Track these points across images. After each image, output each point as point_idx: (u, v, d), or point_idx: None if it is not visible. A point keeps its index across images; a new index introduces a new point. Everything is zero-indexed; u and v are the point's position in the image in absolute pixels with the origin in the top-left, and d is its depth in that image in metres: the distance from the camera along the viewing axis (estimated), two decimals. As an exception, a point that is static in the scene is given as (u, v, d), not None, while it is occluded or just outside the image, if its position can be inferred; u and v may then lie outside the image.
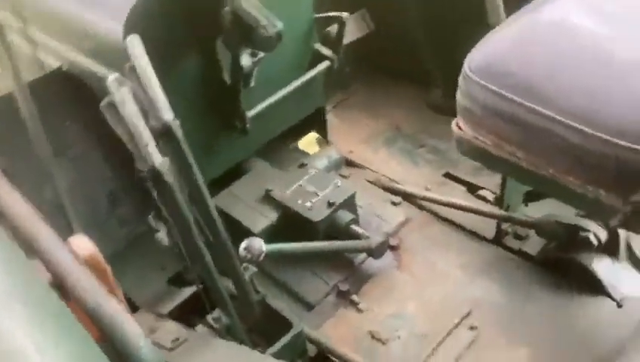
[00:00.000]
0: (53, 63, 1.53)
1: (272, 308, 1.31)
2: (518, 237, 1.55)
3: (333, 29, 1.66)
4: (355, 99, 2.07)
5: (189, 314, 1.39)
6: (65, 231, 0.82)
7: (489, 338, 1.36)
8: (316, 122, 1.85)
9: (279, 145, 1.79)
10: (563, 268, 1.44)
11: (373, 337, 1.39)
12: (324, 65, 1.67)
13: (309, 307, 1.47)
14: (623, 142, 0.96)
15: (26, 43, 1.59)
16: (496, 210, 1.58)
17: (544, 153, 1.06)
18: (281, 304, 1.34)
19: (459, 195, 1.68)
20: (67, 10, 1.45)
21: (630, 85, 1.01)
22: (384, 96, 2.04)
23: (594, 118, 0.99)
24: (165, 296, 1.48)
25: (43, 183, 1.41)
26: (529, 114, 1.05)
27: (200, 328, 1.25)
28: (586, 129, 0.99)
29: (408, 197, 1.70)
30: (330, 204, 1.53)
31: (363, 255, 1.54)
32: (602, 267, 1.39)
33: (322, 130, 1.89)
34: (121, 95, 0.93)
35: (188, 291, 1.46)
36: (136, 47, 1.03)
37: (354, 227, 1.53)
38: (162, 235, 1.59)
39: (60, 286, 0.76)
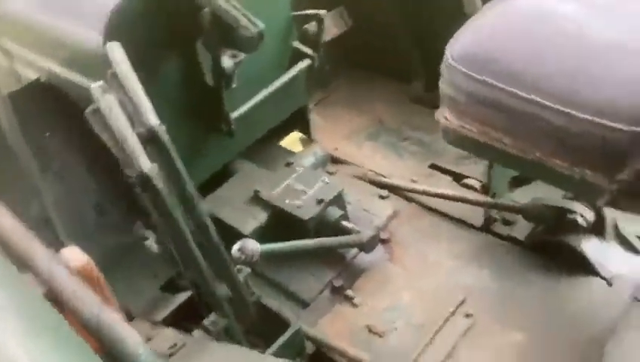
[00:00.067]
0: (31, 75, 1.51)
1: (268, 309, 1.30)
2: (506, 223, 1.57)
3: (312, 26, 1.66)
4: (336, 96, 2.07)
5: (184, 321, 1.38)
6: (53, 245, 0.81)
7: (484, 324, 1.37)
8: (299, 121, 1.85)
9: (264, 146, 1.78)
10: (552, 250, 1.45)
11: (370, 331, 1.39)
12: (305, 63, 1.67)
13: (304, 305, 1.47)
14: (605, 122, 0.97)
15: (2, 55, 1.56)
16: (483, 198, 1.60)
17: (530, 137, 1.07)
18: (276, 304, 1.34)
19: (445, 185, 1.69)
20: (42, 22, 1.43)
21: (609, 66, 1.02)
22: (366, 92, 2.05)
23: (576, 100, 1.00)
24: (159, 304, 1.47)
25: (28, 197, 1.39)
26: (512, 99, 1.06)
27: (197, 333, 1.24)
28: (570, 111, 1.00)
29: (395, 190, 1.71)
30: (319, 202, 1.53)
31: (354, 250, 1.54)
32: (590, 247, 1.41)
33: (306, 129, 1.89)
34: (107, 101, 0.92)
35: (182, 297, 1.45)
36: (116, 53, 1.02)
37: (344, 223, 1.53)
38: (151, 243, 1.58)
39: (56, 299, 0.75)
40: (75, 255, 0.87)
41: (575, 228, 1.41)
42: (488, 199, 1.58)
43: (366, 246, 1.49)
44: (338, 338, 1.37)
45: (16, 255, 0.76)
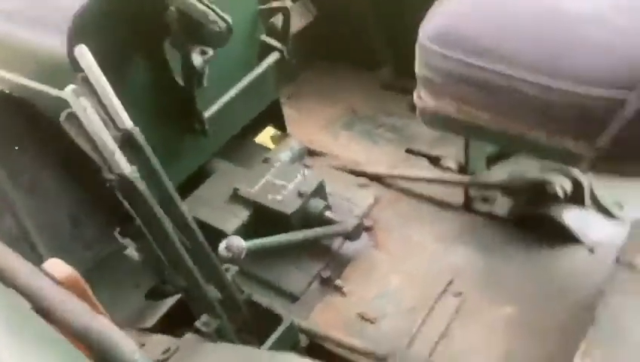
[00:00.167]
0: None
1: (259, 305, 1.29)
2: (485, 199, 1.58)
3: (277, 19, 1.65)
4: (307, 89, 2.06)
5: (172, 326, 1.36)
6: (31, 259, 0.79)
7: (474, 301, 1.38)
8: (273, 116, 1.83)
9: (239, 143, 1.76)
10: (533, 223, 1.48)
11: (362, 318, 1.39)
12: (274, 57, 1.65)
13: (293, 298, 1.46)
14: (582, 90, 0.99)
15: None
16: (461, 177, 1.61)
17: (509, 112, 1.08)
18: (267, 300, 1.32)
19: (423, 168, 1.70)
20: (4, 33, 1.38)
21: (582, 35, 1.04)
22: (336, 82, 2.04)
23: (553, 70, 1.02)
24: (145, 312, 1.44)
25: (1, 212, 1.35)
26: (490, 74, 1.07)
27: (189, 336, 1.22)
28: (547, 82, 1.01)
29: (374, 178, 1.71)
30: (300, 195, 1.52)
31: (339, 240, 1.54)
32: (571, 216, 1.44)
33: (280, 123, 1.88)
34: (82, 104, 0.89)
35: (168, 302, 1.43)
36: (85, 57, 0.99)
37: (327, 213, 1.52)
38: (131, 251, 1.55)
39: (44, 312, 0.73)
40: (58, 267, 0.85)
41: (554, 199, 1.44)
42: (467, 178, 1.59)
43: (352, 235, 1.49)
44: (331, 329, 1.36)
45: (-2, 272, 0.74)
